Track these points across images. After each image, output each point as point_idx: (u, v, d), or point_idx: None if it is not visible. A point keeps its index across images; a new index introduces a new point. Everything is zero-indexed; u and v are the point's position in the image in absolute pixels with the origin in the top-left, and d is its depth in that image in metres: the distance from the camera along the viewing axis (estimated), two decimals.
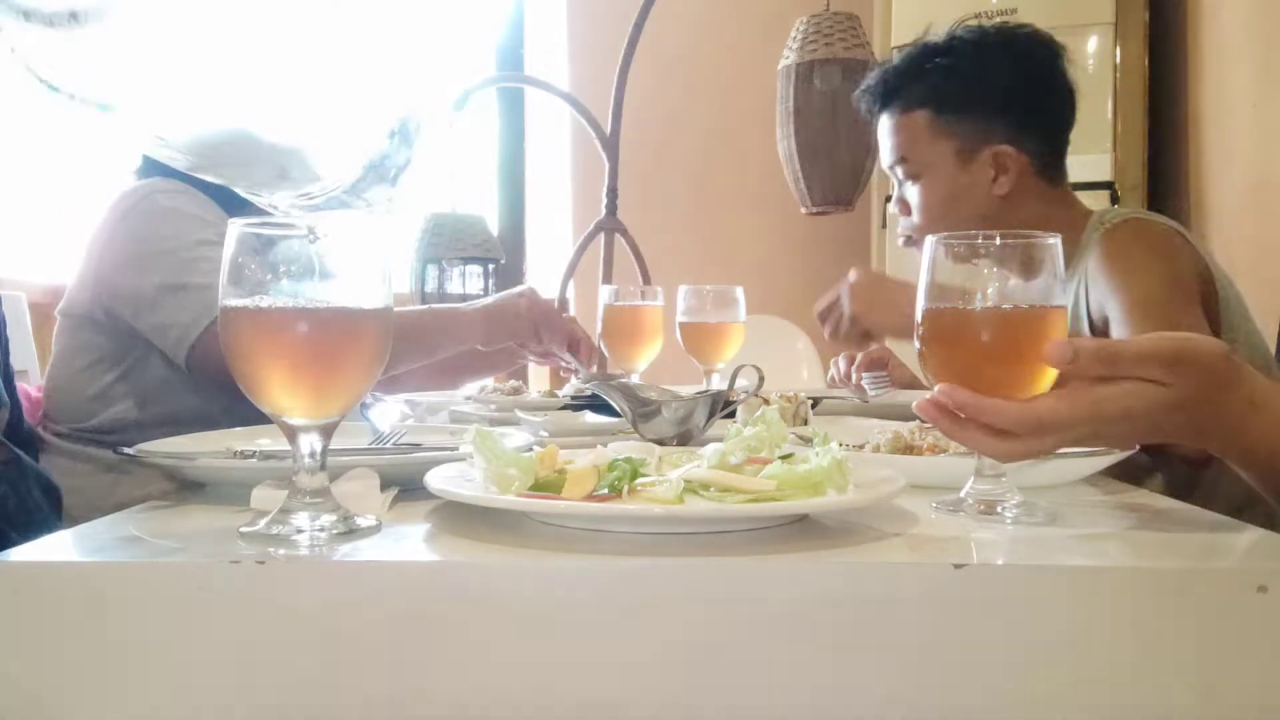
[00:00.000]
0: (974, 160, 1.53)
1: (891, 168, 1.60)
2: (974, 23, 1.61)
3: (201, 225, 1.42)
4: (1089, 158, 2.40)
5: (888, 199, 2.81)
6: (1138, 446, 0.92)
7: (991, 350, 0.73)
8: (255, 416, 0.83)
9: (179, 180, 1.46)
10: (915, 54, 1.58)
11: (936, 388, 0.72)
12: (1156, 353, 0.69)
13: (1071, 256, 1.48)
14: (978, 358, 0.73)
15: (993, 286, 0.74)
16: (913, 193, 1.58)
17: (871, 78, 1.63)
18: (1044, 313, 0.75)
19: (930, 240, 0.78)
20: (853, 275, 1.54)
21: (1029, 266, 0.75)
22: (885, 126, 1.60)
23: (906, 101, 1.56)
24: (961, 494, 0.78)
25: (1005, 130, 1.53)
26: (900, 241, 1.64)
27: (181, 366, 1.41)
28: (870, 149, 2.68)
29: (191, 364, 1.39)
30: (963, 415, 0.71)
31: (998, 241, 0.75)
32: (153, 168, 1.51)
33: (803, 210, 2.80)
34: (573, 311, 3.16)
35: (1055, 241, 0.76)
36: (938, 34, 1.57)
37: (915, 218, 1.58)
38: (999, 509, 0.76)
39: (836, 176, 2.68)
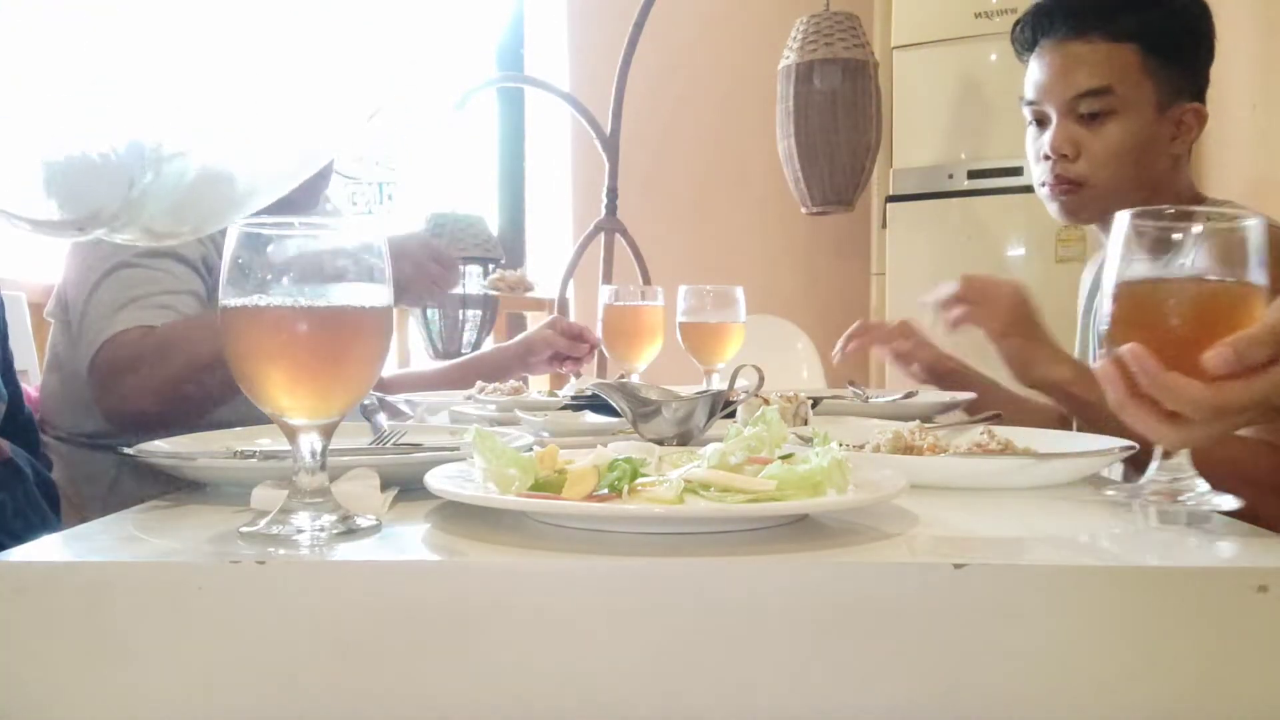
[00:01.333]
0: (1167, 114, 1.40)
1: (1079, 97, 1.40)
2: None
3: (117, 246, 1.38)
4: None
5: (888, 199, 2.81)
6: (1136, 447, 0.92)
7: (1184, 333, 0.69)
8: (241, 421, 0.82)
9: None
10: None
11: (1123, 347, 0.68)
12: None
13: None
14: (1168, 341, 0.68)
15: (1188, 266, 0.70)
16: (1091, 135, 1.40)
17: None
18: (1241, 294, 0.70)
19: (1121, 217, 0.73)
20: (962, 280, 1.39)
21: (1229, 253, 0.71)
22: (1076, 53, 1.40)
23: (1117, 29, 1.38)
24: (1141, 481, 0.75)
25: (1197, 88, 1.42)
26: (1050, 189, 1.45)
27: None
28: (870, 148, 2.69)
29: (91, 383, 1.34)
30: (1141, 385, 0.67)
31: (1195, 225, 0.72)
32: None
33: (803, 210, 2.81)
34: (573, 312, 3.17)
35: (1258, 223, 0.72)
36: None
37: (1090, 161, 1.41)
38: (1181, 498, 0.73)
39: (836, 176, 2.68)
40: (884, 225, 2.82)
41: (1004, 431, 1.01)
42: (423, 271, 1.56)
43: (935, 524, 0.75)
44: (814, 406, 1.29)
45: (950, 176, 2.73)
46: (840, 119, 2.62)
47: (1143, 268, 0.72)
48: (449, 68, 3.41)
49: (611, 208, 2.89)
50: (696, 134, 3.41)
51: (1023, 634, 0.61)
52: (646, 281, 2.84)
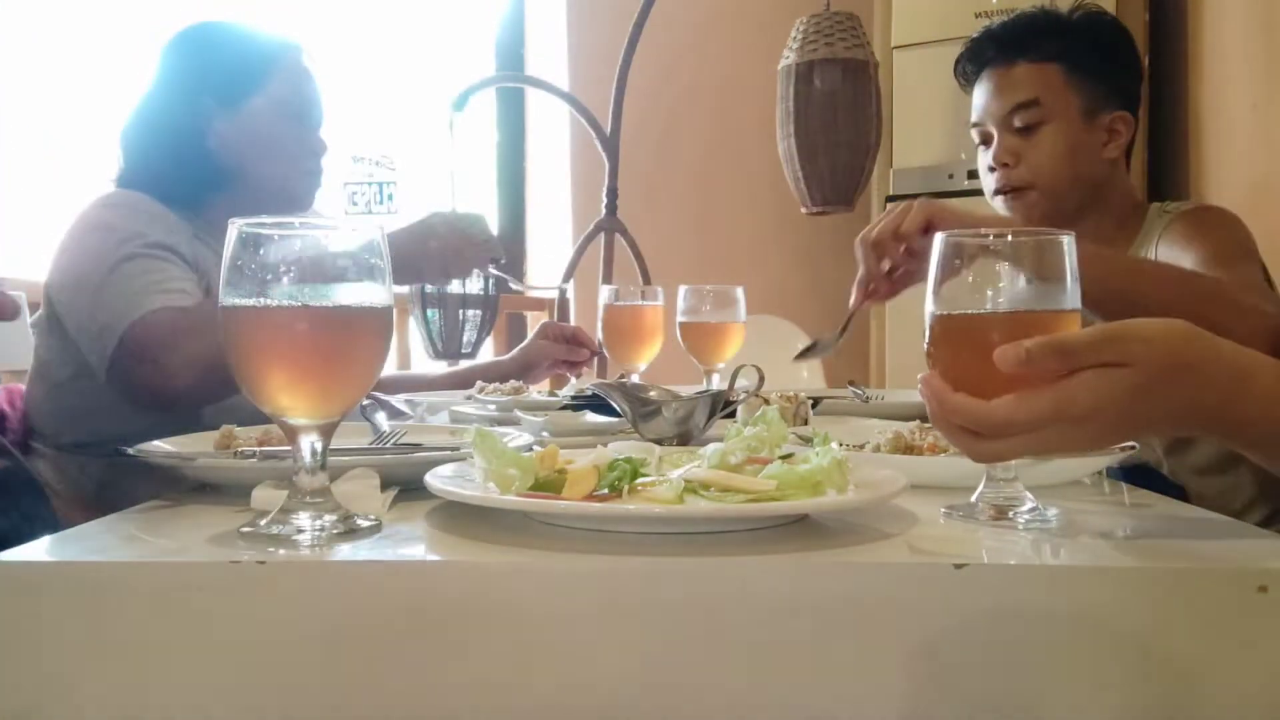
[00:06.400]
0: (1095, 121, 1.61)
1: (1012, 112, 1.61)
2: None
3: (121, 242, 1.36)
4: None
5: (888, 199, 2.81)
6: (1137, 446, 0.92)
7: (984, 355, 0.69)
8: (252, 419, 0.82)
9: (146, 193, 1.44)
10: (1045, 14, 1.66)
11: (920, 375, 0.71)
12: (1106, 333, 0.66)
13: (1133, 239, 1.59)
14: (982, 363, 0.68)
15: (1003, 287, 0.72)
16: (1027, 144, 1.61)
17: (989, 31, 1.67)
18: (1053, 318, 0.72)
19: (940, 238, 0.75)
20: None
21: (1042, 266, 0.72)
22: (1007, 75, 1.63)
23: (1040, 53, 1.61)
24: (973, 499, 0.77)
25: (1122, 99, 1.63)
26: (1001, 196, 1.64)
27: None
28: (870, 148, 2.69)
29: (111, 385, 1.33)
30: (932, 409, 0.70)
31: (1010, 239, 0.72)
32: (133, 177, 1.49)
33: (803, 210, 2.80)
34: (573, 312, 3.17)
35: (1069, 240, 0.73)
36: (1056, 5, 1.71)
37: (1029, 166, 1.61)
38: (1010, 514, 0.74)
39: (836, 176, 2.67)
40: None
41: None
42: (449, 248, 1.58)
43: (935, 524, 0.75)
44: (814, 406, 1.29)
45: (950, 176, 2.73)
46: (840, 119, 2.61)
47: (953, 291, 0.74)
48: (449, 67, 3.41)
49: (611, 207, 2.89)
50: (696, 134, 3.41)
51: (1023, 634, 0.61)
52: (646, 281, 2.84)
